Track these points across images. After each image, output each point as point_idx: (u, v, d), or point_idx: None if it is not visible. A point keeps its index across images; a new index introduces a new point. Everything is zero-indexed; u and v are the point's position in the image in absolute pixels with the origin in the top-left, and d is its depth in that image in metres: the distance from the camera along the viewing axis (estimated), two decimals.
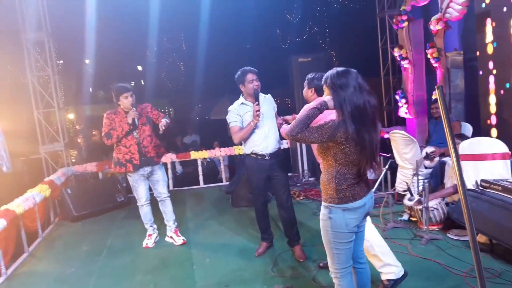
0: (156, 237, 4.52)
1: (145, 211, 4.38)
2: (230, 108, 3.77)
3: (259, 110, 3.57)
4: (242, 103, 3.73)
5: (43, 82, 6.69)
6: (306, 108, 2.74)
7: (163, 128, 4.07)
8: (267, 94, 3.84)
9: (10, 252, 4.22)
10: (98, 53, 12.00)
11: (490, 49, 4.71)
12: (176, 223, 4.51)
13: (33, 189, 5.09)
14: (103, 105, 13.80)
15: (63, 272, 3.98)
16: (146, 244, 4.42)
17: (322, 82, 2.24)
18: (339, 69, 2.18)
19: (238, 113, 3.71)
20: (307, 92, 3.31)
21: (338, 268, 2.26)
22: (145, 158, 4.18)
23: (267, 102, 3.77)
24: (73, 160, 7.68)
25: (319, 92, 3.15)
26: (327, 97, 2.16)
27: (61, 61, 6.71)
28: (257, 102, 3.59)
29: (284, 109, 6.66)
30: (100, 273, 3.88)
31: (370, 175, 4.94)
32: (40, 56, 6.51)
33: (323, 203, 2.25)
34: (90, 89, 14.37)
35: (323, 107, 2.12)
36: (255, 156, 3.72)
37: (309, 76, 3.30)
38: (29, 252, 4.58)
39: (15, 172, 7.44)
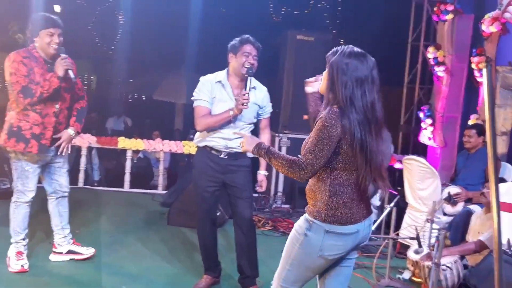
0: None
1: (25, 213, 4.14)
2: (203, 79, 3.89)
3: (248, 99, 3.65)
4: (220, 81, 3.85)
5: None
6: None
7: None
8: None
9: None
10: None
11: None
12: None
13: None
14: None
15: None
16: (22, 266, 4.04)
17: (328, 55, 2.46)
18: (356, 48, 2.41)
19: (210, 91, 3.83)
20: None
21: (282, 285, 2.53)
22: (57, 138, 4.08)
23: (256, 96, 3.89)
24: None
25: None
26: None
27: None
28: (245, 90, 3.69)
29: None
30: None
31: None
32: None
33: (305, 215, 2.46)
34: None
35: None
36: (208, 150, 3.87)
37: None
38: None
39: None
